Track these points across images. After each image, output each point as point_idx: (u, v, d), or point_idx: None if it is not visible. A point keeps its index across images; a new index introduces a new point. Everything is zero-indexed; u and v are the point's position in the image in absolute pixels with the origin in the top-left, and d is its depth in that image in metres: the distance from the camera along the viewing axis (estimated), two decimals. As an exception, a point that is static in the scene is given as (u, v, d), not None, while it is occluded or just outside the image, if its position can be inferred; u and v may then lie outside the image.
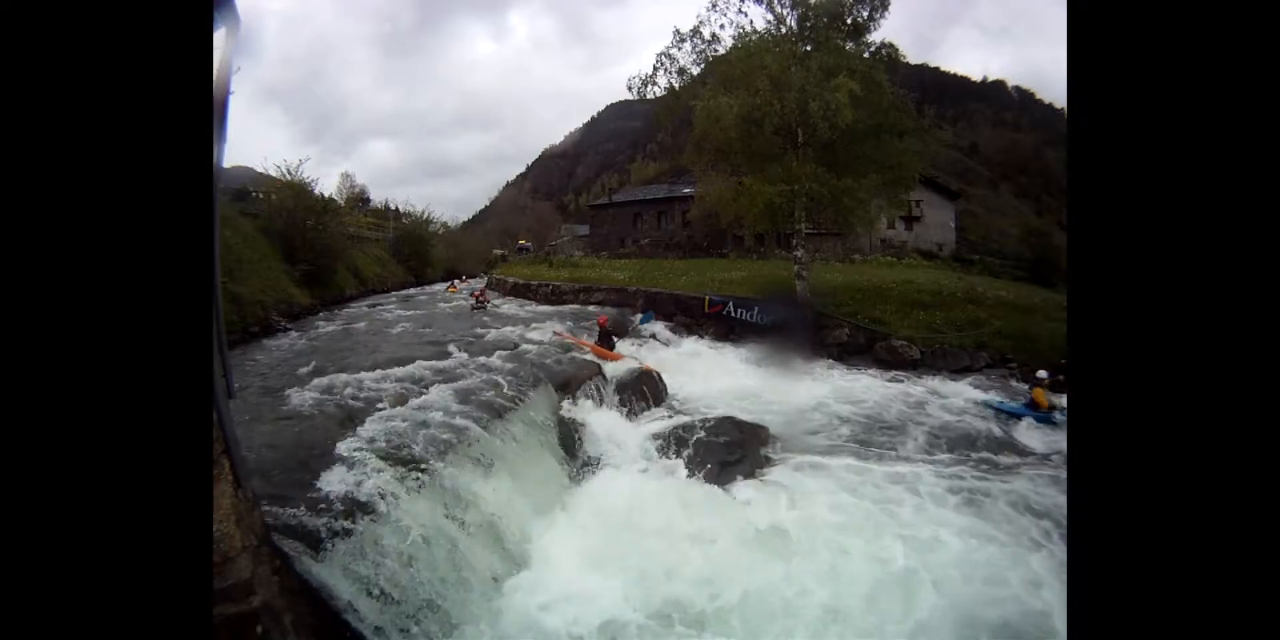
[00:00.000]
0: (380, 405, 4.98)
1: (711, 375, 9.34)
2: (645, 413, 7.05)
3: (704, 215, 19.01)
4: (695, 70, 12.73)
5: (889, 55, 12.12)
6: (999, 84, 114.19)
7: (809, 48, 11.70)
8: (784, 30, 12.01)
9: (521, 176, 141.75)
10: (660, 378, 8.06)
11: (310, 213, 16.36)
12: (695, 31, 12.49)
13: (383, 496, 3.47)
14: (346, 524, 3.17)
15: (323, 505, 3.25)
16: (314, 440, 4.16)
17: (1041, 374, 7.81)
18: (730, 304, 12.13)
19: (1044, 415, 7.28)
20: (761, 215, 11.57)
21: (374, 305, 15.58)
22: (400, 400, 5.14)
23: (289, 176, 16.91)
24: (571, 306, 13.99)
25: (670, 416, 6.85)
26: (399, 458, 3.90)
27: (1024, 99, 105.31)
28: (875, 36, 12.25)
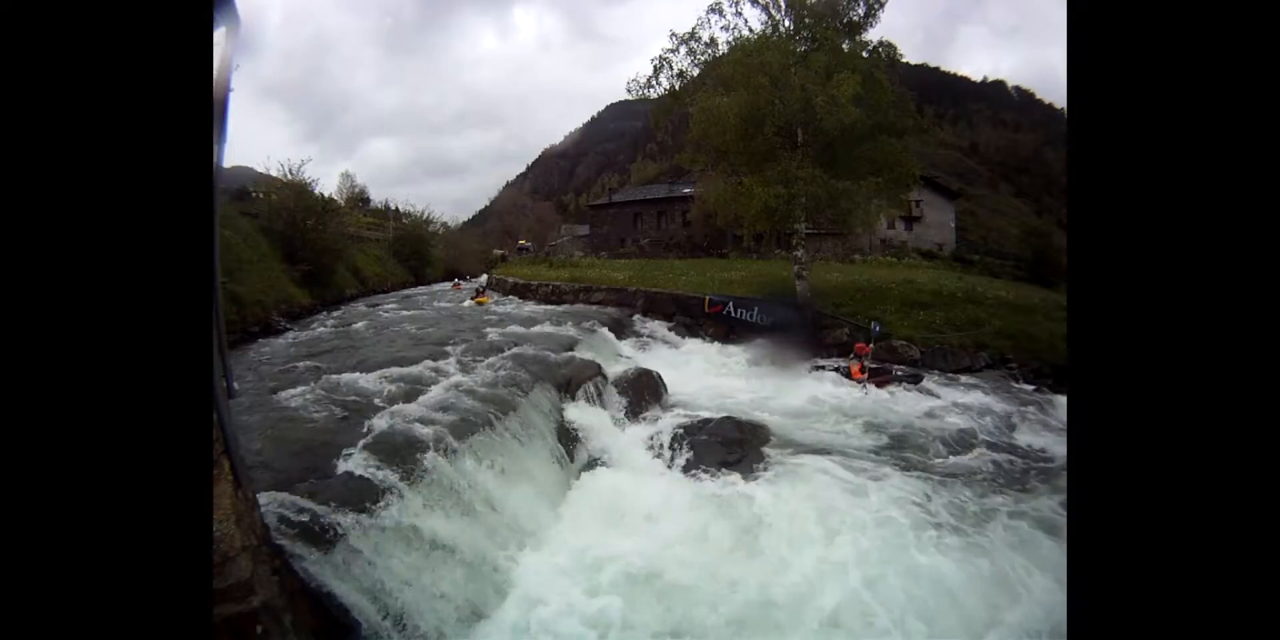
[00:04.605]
0: (381, 404, 4.97)
1: (712, 375, 9.34)
2: (645, 412, 7.04)
3: (704, 215, 19.04)
4: (694, 71, 12.74)
5: (887, 54, 12.13)
6: (999, 84, 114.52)
7: (805, 48, 11.70)
8: (781, 31, 12.02)
9: (522, 176, 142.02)
10: (660, 377, 8.06)
11: (310, 213, 16.34)
12: (692, 35, 12.49)
13: (384, 496, 3.46)
14: (347, 523, 3.17)
15: (323, 504, 3.24)
16: (314, 439, 4.16)
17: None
18: (730, 304, 12.13)
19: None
20: (760, 216, 11.56)
21: (374, 305, 15.56)
22: (401, 399, 5.13)
23: (289, 176, 16.91)
24: (571, 306, 13.98)
25: (670, 416, 6.85)
26: (400, 457, 3.89)
27: (1024, 99, 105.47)
28: (876, 36, 12.29)
